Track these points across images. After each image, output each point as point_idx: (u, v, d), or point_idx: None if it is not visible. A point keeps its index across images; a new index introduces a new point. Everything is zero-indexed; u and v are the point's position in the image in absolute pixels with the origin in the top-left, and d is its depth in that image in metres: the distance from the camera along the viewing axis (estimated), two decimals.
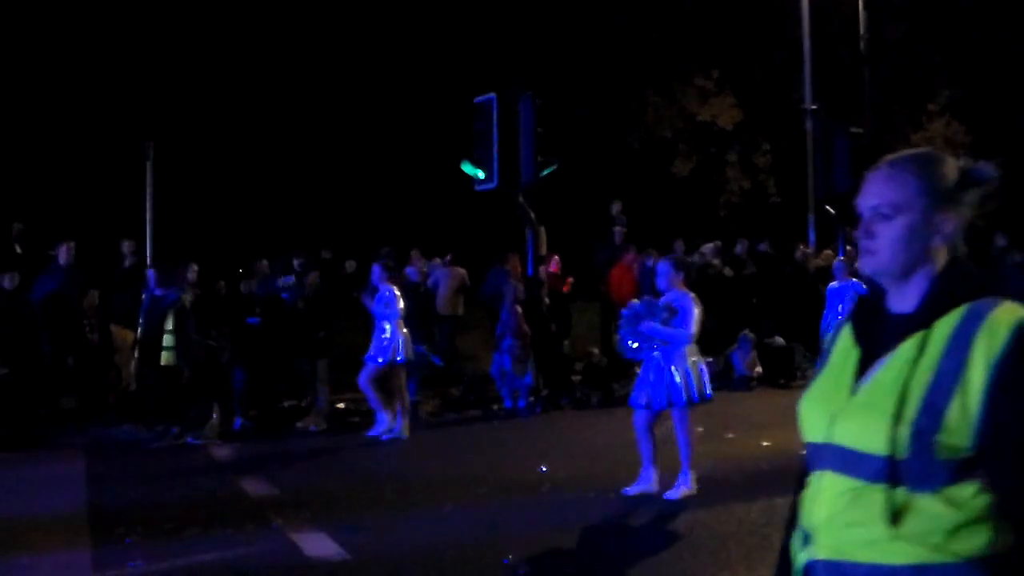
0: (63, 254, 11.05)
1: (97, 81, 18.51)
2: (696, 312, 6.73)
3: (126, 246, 12.07)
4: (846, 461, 1.67)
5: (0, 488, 7.73)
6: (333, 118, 21.42)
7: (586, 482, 7.36)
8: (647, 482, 6.85)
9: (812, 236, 16.91)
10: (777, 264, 14.88)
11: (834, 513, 1.69)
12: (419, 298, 12.11)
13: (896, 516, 1.60)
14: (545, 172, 12.44)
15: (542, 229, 12.91)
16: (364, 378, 9.68)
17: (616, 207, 15.05)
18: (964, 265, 1.74)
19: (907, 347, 1.65)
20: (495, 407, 11.64)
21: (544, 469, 7.87)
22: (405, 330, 9.66)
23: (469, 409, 11.70)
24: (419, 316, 11.78)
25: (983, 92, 22.36)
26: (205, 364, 10.83)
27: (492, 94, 12.46)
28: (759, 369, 13.10)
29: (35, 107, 18.30)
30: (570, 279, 14.11)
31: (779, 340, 13.38)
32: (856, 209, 1.78)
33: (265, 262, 12.53)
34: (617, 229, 14.36)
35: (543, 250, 12.98)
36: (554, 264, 13.86)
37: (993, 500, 1.59)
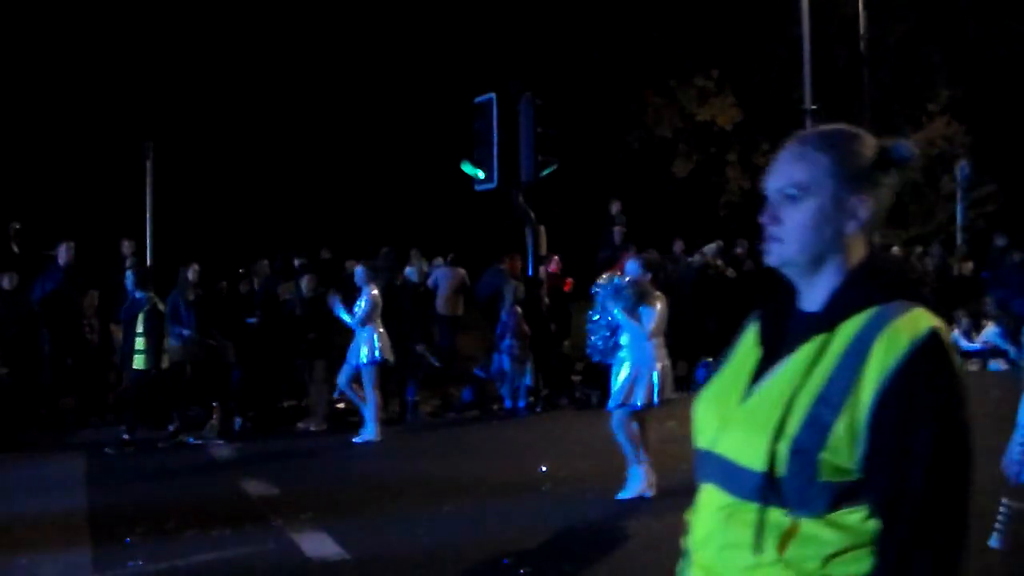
0: (63, 254, 11.04)
1: (97, 81, 18.52)
2: (662, 310, 6.72)
3: (126, 246, 12.07)
4: (727, 474, 1.51)
5: (0, 488, 7.73)
6: (333, 118, 21.43)
7: (586, 482, 7.36)
8: (637, 483, 6.79)
9: None
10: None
11: (710, 532, 1.54)
12: (419, 298, 12.11)
13: (772, 539, 1.42)
14: (545, 172, 12.44)
15: (542, 229, 12.90)
16: (344, 380, 9.72)
17: (615, 207, 15.05)
18: (881, 259, 1.56)
19: (804, 352, 1.47)
20: (495, 407, 11.64)
21: (544, 469, 7.87)
22: (382, 330, 9.65)
23: (469, 409, 11.70)
24: (419, 316, 11.78)
25: (983, 92, 22.35)
26: (206, 364, 10.82)
27: (492, 94, 12.46)
28: None
29: (35, 107, 18.31)
30: (570, 280, 14.11)
31: None
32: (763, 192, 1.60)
33: (265, 262, 12.52)
34: (617, 229, 14.35)
35: (543, 250, 12.98)
36: (554, 264, 13.86)
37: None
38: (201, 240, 16.10)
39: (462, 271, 13.60)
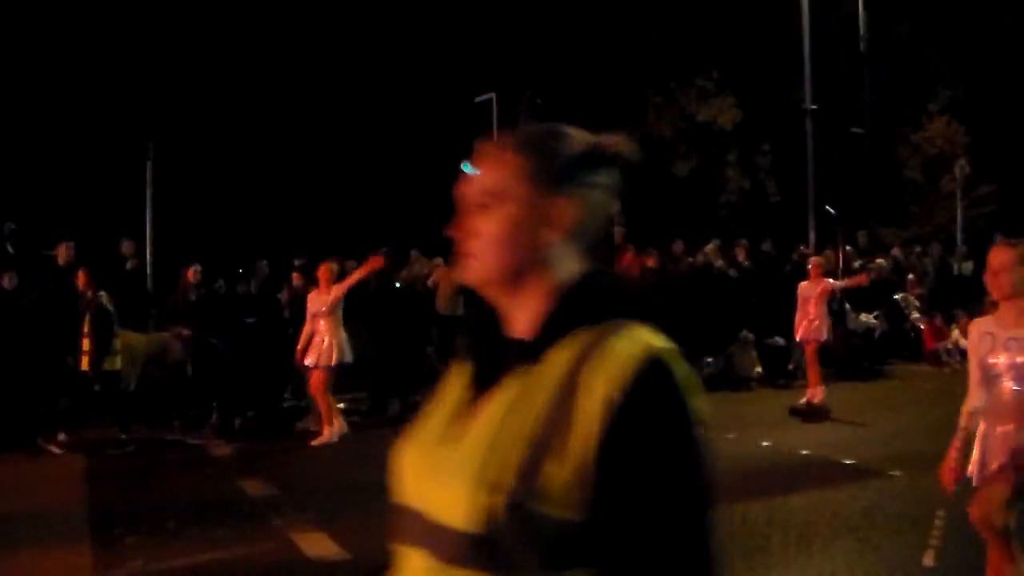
0: (62, 254, 11.04)
1: (98, 81, 18.52)
2: None
3: (126, 246, 12.07)
4: (429, 533, 1.26)
5: (0, 488, 7.73)
6: (333, 118, 21.43)
7: None
8: None
9: (812, 236, 16.92)
10: (777, 264, 14.88)
11: None
12: (419, 298, 12.11)
13: None
14: None
15: None
16: (317, 385, 9.54)
17: (615, 207, 15.05)
18: (596, 274, 1.33)
19: (510, 387, 1.25)
20: None
21: None
22: (344, 334, 9.53)
23: None
24: (419, 316, 11.77)
25: (983, 92, 22.37)
26: (206, 364, 10.82)
27: (492, 94, 12.47)
28: (759, 369, 13.09)
29: (36, 107, 18.31)
30: None
31: (779, 340, 13.38)
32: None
33: (265, 262, 12.53)
34: (616, 229, 14.35)
35: None
36: None
37: None
38: (201, 240, 16.11)
39: None
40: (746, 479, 7.32)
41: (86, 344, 9.64)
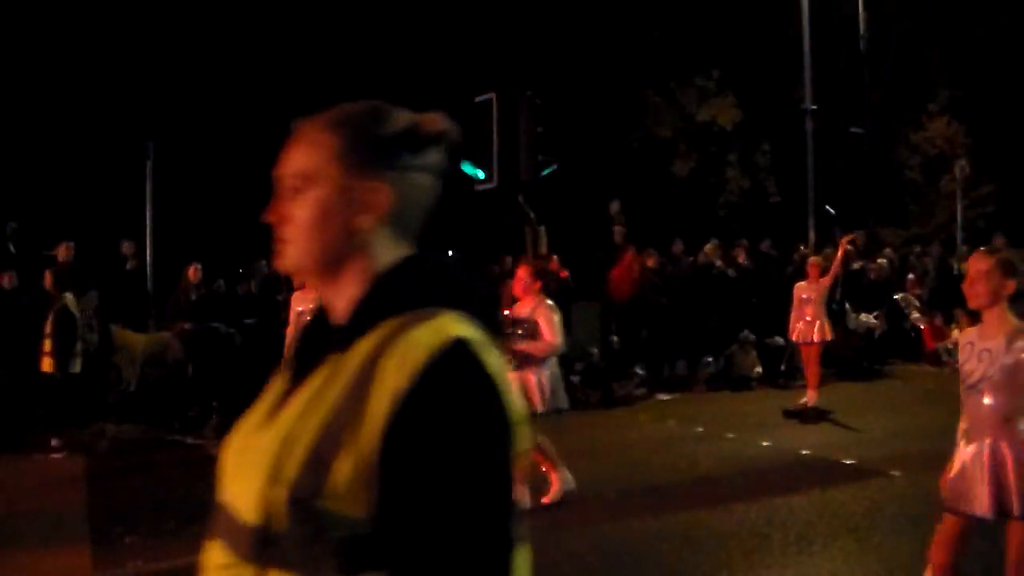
0: (62, 254, 11.04)
1: (98, 81, 18.52)
2: (556, 320, 6.42)
3: (126, 246, 12.07)
4: (228, 528, 1.21)
5: (0, 488, 7.73)
6: None
7: (586, 482, 7.35)
8: (563, 483, 6.62)
9: (812, 236, 16.92)
10: (777, 264, 14.89)
11: None
12: None
13: None
14: (545, 172, 12.44)
15: (542, 229, 12.90)
16: None
17: (615, 206, 15.06)
18: (415, 260, 1.28)
19: (318, 377, 1.20)
20: None
21: (544, 469, 7.86)
22: None
23: None
24: None
25: (983, 92, 22.38)
26: (207, 355, 10.83)
27: (492, 94, 12.45)
28: (759, 369, 13.10)
29: (36, 107, 18.31)
30: (566, 271, 14.06)
31: (779, 340, 13.39)
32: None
33: (265, 262, 12.54)
34: (617, 229, 14.37)
35: (543, 250, 12.98)
36: (552, 264, 13.86)
37: None
38: (201, 240, 16.11)
39: None
40: (746, 479, 7.34)
41: (47, 345, 9.55)
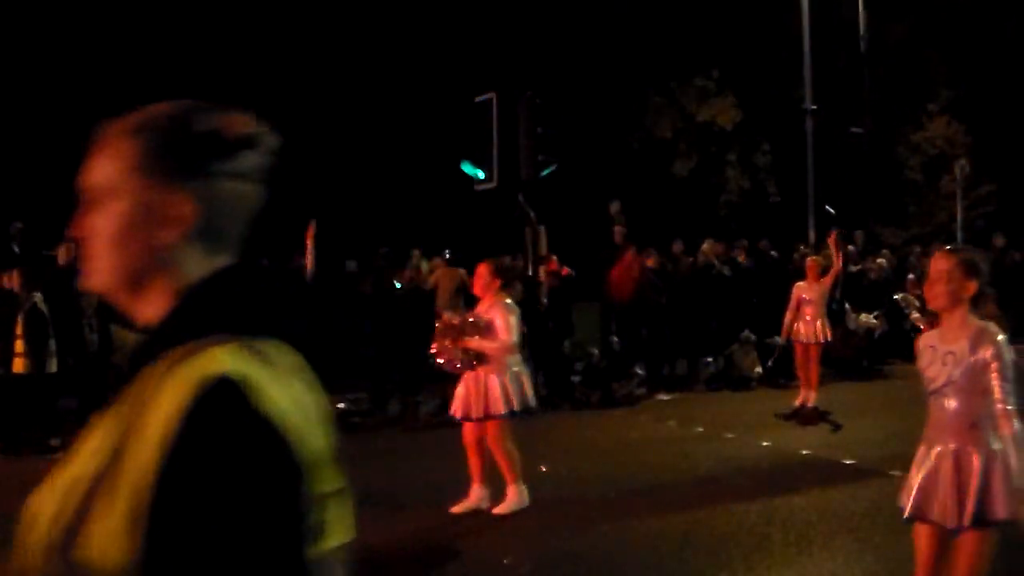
0: (63, 254, 11.04)
1: (98, 81, 18.53)
2: (512, 320, 6.32)
3: None
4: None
5: (0, 489, 7.73)
6: (333, 118, 21.44)
7: (586, 482, 7.36)
8: (477, 498, 6.54)
9: (812, 236, 16.92)
10: (777, 264, 14.89)
11: None
12: (419, 298, 12.12)
13: None
14: (545, 172, 12.44)
15: (542, 229, 12.91)
16: None
17: (615, 206, 15.06)
18: (224, 276, 1.16)
19: (108, 414, 1.09)
20: None
21: (544, 469, 7.86)
22: None
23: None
24: (419, 317, 11.77)
25: (983, 92, 22.39)
26: None
27: (492, 94, 12.46)
28: (759, 369, 13.09)
29: (37, 107, 18.33)
30: (566, 269, 14.05)
31: (779, 340, 13.39)
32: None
33: (265, 262, 12.55)
34: (617, 229, 14.37)
35: (543, 250, 12.98)
36: (552, 264, 13.86)
37: None
38: None
39: (461, 271, 13.61)
40: (746, 479, 7.34)
41: (19, 346, 9.48)
